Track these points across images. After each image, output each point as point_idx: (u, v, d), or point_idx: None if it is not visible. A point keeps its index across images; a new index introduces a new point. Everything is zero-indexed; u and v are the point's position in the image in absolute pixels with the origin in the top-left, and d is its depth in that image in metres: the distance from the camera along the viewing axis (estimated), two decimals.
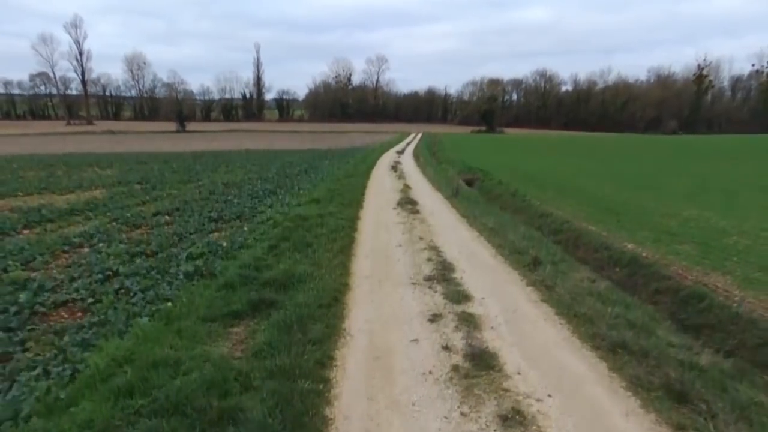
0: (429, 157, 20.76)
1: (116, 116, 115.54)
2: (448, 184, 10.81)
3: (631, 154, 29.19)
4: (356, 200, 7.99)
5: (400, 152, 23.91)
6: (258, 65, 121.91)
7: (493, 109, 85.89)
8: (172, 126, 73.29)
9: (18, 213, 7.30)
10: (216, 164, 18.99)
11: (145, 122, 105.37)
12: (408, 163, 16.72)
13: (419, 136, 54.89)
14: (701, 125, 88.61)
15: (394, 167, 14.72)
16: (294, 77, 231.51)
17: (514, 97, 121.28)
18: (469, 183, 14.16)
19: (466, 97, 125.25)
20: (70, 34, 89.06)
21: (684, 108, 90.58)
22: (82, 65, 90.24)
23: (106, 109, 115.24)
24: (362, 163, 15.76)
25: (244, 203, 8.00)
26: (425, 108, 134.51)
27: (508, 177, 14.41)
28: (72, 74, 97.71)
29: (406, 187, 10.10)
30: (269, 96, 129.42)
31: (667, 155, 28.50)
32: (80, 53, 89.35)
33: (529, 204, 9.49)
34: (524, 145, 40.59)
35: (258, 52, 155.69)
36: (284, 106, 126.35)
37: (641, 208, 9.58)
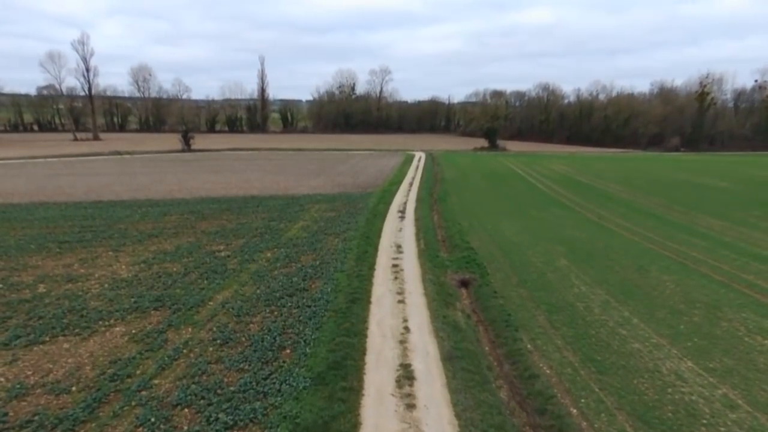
0: (429, 230, 21.38)
1: (122, 128, 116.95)
2: (446, 318, 11.47)
3: (637, 201, 29.51)
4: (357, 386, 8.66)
5: (402, 215, 24.54)
6: (262, 77, 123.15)
7: (496, 127, 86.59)
8: (178, 143, 74.09)
9: None
10: (224, 237, 19.72)
11: (151, 134, 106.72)
12: (409, 251, 17.39)
13: (422, 163, 55.42)
14: (704, 142, 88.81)
15: (395, 268, 15.37)
16: (298, 78, 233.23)
17: (517, 103, 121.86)
18: (465, 284, 14.85)
19: (469, 107, 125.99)
20: (77, 51, 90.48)
21: (686, 125, 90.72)
22: (89, 81, 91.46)
23: (113, 120, 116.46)
24: (363, 262, 16.34)
25: None
26: (428, 118, 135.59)
27: (503, 278, 15.04)
28: (75, 82, 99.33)
29: (406, 331, 10.78)
30: (273, 97, 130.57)
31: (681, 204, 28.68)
32: (87, 70, 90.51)
33: (519, 352, 10.14)
34: (525, 185, 41.23)
35: (263, 64, 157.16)
36: (288, 118, 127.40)
37: (624, 353, 10.20)
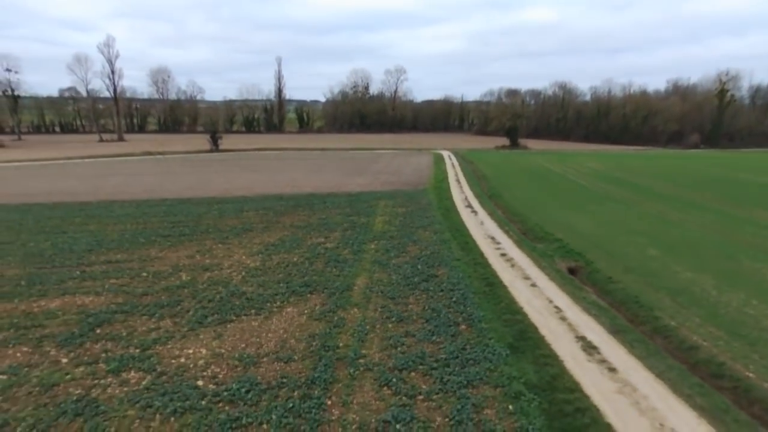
0: (507, 224, 22.26)
1: (141, 129, 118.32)
2: (585, 298, 12.36)
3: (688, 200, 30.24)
4: None
5: (472, 210, 25.39)
6: (279, 78, 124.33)
7: (517, 126, 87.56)
8: (203, 143, 75.20)
9: None
10: (317, 231, 20.61)
11: (172, 135, 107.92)
12: (504, 242, 18.25)
13: (455, 161, 56.16)
14: (723, 139, 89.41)
15: (504, 257, 16.20)
16: (301, 78, 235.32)
17: (532, 102, 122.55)
18: (572, 272, 15.72)
19: (483, 106, 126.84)
20: (102, 54, 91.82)
21: (705, 122, 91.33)
22: (114, 84, 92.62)
23: (132, 121, 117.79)
24: (469, 252, 17.13)
25: None
26: (442, 117, 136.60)
27: (607, 266, 15.86)
28: (99, 84, 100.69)
29: (558, 310, 11.70)
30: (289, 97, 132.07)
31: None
32: (112, 72, 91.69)
33: (666, 328, 11.01)
34: (567, 182, 42.02)
35: (279, 65, 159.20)
36: (304, 118, 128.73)
37: (764, 329, 11.06)
